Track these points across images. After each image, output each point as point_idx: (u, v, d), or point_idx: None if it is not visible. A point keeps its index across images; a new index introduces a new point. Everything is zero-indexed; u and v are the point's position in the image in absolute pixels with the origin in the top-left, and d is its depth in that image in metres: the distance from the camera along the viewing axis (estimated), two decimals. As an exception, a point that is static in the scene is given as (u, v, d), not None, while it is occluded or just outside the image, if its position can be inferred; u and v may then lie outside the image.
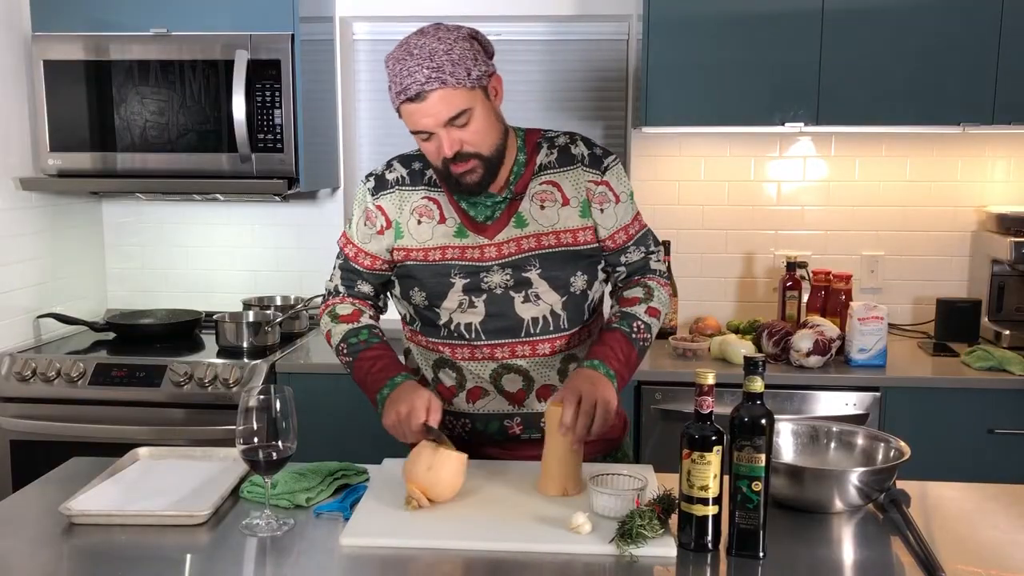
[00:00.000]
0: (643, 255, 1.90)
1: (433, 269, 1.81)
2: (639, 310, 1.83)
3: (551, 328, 1.82)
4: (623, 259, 1.89)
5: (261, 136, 2.91)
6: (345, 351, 1.88)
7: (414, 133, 1.71)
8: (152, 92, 2.93)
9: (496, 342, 1.81)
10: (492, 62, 1.75)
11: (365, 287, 1.94)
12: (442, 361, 1.86)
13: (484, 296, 1.79)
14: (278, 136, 2.91)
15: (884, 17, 2.84)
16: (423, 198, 1.83)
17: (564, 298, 1.81)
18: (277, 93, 2.89)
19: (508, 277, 1.79)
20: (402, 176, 1.85)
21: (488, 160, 1.73)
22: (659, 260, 1.93)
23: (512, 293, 1.79)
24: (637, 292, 1.87)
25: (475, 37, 1.72)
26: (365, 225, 1.87)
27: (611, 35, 3.34)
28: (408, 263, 1.84)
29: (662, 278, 1.92)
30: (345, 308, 1.92)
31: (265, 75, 2.89)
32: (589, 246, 1.82)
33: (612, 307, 1.90)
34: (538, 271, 1.79)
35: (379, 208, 1.85)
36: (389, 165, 1.88)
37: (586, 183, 1.81)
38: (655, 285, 1.89)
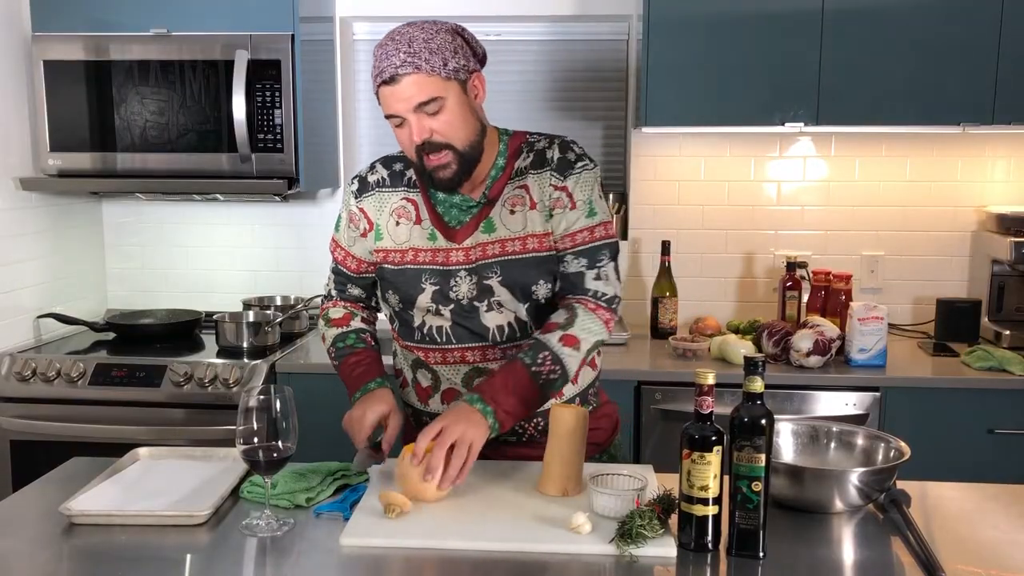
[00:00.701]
0: (581, 269, 1.76)
1: (406, 273, 1.82)
2: (552, 339, 1.70)
3: (518, 335, 1.81)
4: (560, 268, 1.79)
5: (261, 136, 2.91)
6: (333, 355, 1.94)
7: (388, 118, 1.72)
8: (152, 92, 2.93)
9: (467, 346, 1.82)
10: (478, 64, 1.75)
11: (355, 290, 1.98)
12: (418, 363, 1.88)
13: (451, 306, 1.80)
14: (278, 136, 2.91)
15: (884, 17, 2.84)
16: (402, 199, 1.85)
17: (527, 305, 1.80)
18: (277, 93, 2.89)
19: (473, 287, 1.78)
20: (383, 178, 1.87)
21: (462, 154, 1.72)
22: (602, 278, 1.77)
23: (476, 303, 1.79)
24: (559, 316, 1.74)
25: (460, 33, 1.74)
26: (349, 228, 1.90)
27: (611, 35, 3.34)
28: (385, 265, 1.85)
29: (598, 301, 1.76)
30: (337, 312, 1.98)
31: (265, 75, 2.89)
32: (553, 253, 1.79)
33: None
34: (499, 278, 1.77)
35: (361, 211, 1.87)
36: (372, 167, 1.90)
37: (548, 187, 1.78)
38: (581, 309, 1.74)
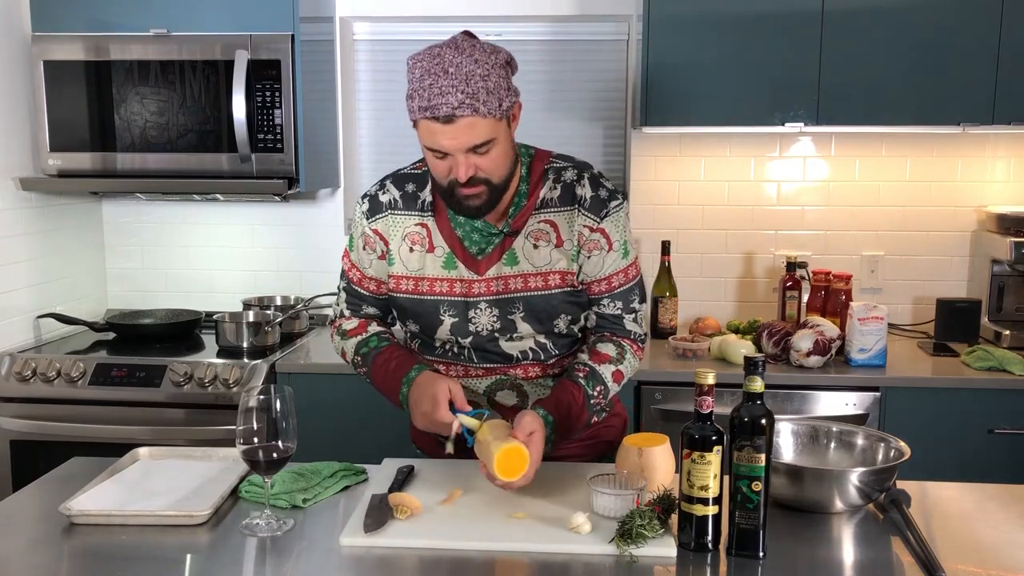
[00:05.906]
0: (618, 311, 1.82)
1: (424, 304, 1.80)
2: (606, 372, 1.79)
3: (541, 356, 1.83)
4: (596, 309, 1.83)
5: (261, 136, 2.91)
6: (360, 363, 1.88)
7: (428, 149, 1.66)
8: (152, 92, 2.93)
9: (489, 365, 1.83)
10: (518, 90, 1.69)
11: (371, 309, 1.93)
12: (439, 373, 1.86)
13: (470, 338, 1.80)
14: (278, 136, 2.91)
15: (884, 17, 2.84)
16: (416, 224, 1.80)
17: (545, 333, 1.81)
18: (277, 93, 2.89)
19: (495, 319, 1.78)
20: (395, 199, 1.81)
21: (496, 187, 1.69)
22: (638, 321, 1.85)
23: (496, 335, 1.79)
24: (609, 350, 1.81)
25: (510, 63, 1.67)
26: (365, 250, 1.85)
27: (611, 35, 3.34)
28: (398, 295, 1.83)
29: (637, 342, 1.86)
30: (351, 323, 1.92)
31: (265, 75, 2.89)
32: (576, 290, 1.79)
33: (582, 350, 1.85)
34: (521, 314, 1.78)
35: (376, 232, 1.82)
36: (383, 185, 1.84)
37: (580, 227, 1.75)
38: (628, 348, 1.83)
